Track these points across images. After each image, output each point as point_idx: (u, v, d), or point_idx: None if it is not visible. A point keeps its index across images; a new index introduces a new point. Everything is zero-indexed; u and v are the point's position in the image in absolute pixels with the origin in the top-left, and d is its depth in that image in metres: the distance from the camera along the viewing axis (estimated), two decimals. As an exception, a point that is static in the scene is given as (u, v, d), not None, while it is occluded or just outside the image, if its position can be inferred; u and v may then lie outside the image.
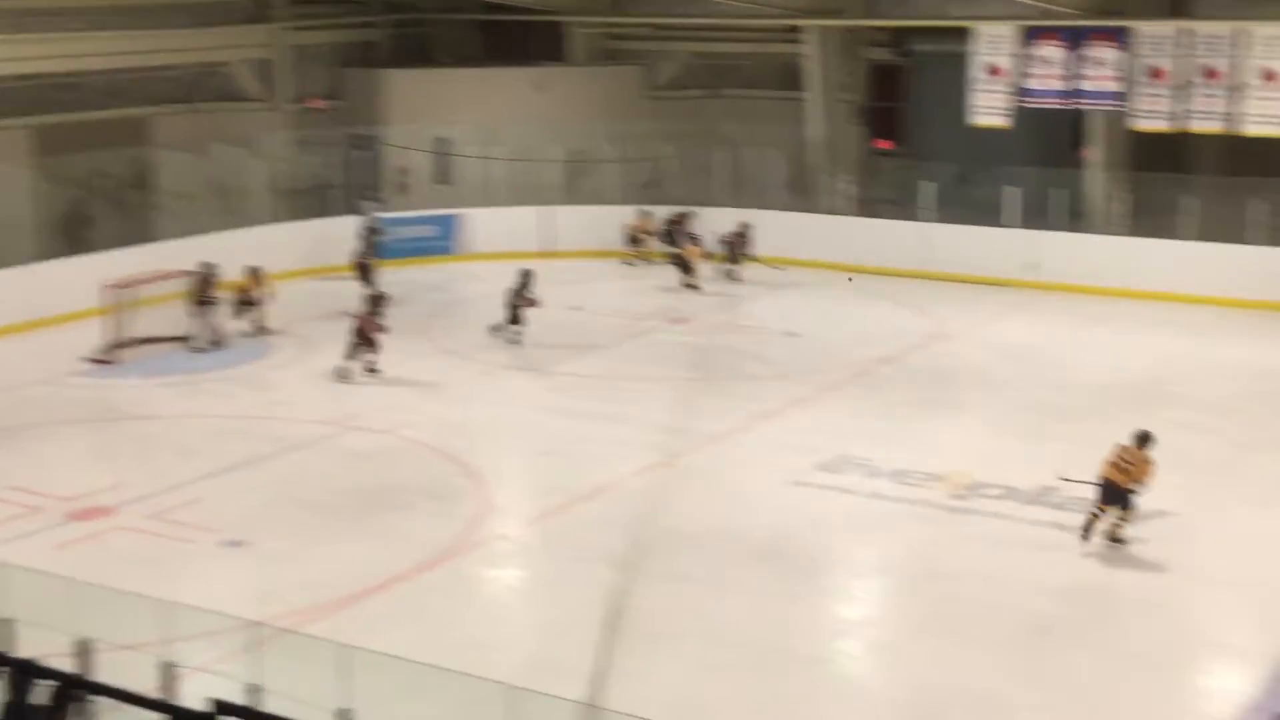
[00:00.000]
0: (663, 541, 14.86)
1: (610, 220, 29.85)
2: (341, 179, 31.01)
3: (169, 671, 10.42)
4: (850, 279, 27.15)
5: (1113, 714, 11.59)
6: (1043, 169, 28.55)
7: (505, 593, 14.94)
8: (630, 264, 29.36)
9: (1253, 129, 25.89)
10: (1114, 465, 14.63)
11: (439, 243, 29.73)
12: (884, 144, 31.96)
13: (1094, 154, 28.27)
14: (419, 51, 34.40)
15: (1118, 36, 26.76)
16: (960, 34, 28.19)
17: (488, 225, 30.11)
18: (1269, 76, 25.58)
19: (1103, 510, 14.66)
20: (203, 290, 23.30)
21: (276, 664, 10.55)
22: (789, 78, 31.32)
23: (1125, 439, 14.81)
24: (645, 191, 30.94)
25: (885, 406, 20.06)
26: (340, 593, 13.87)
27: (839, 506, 16.21)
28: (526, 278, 23.37)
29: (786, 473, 17.18)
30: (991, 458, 17.58)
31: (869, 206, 30.05)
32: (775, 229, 28.56)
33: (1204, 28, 26.18)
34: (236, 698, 9.23)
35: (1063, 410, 19.69)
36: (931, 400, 20.42)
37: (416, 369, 21.83)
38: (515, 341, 22.99)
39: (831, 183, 30.47)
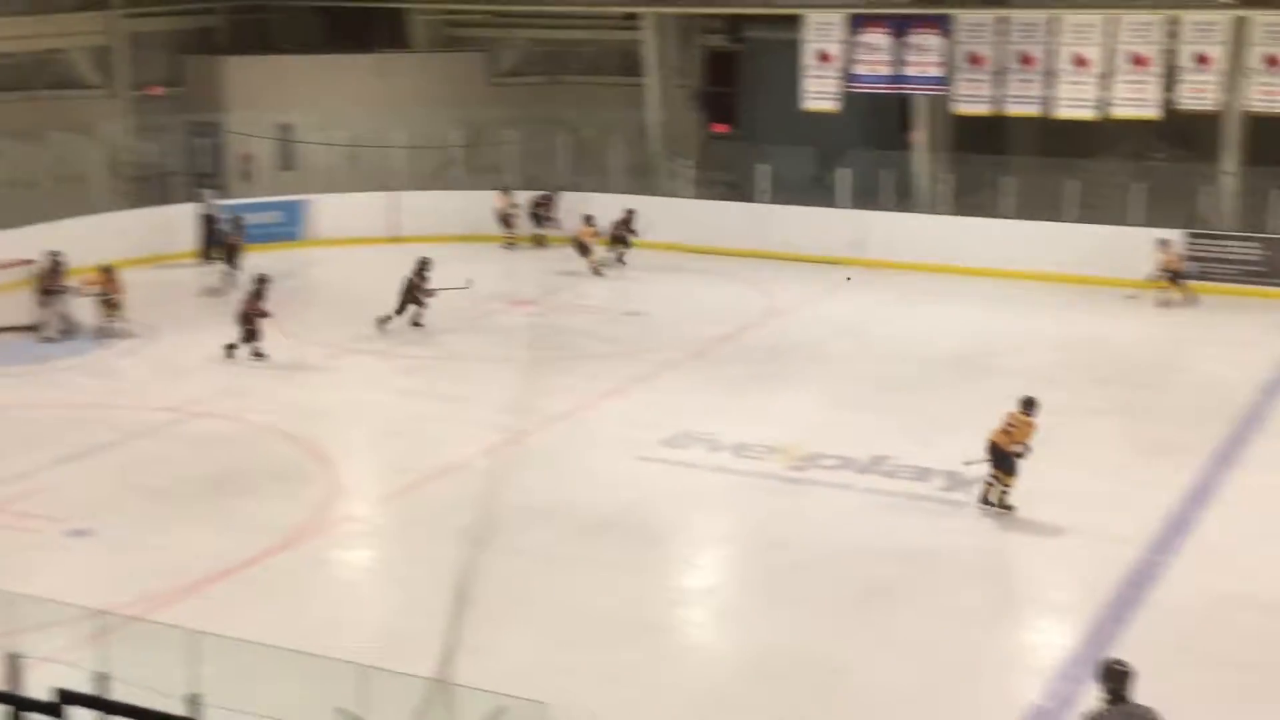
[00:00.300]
0: (511, 518, 14.76)
1: (456, 205, 29.61)
2: (183, 166, 30.23)
3: (13, 663, 10.09)
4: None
5: (943, 670, 11.85)
6: (872, 151, 29.05)
7: (355, 573, 14.75)
8: (510, 247, 29.02)
9: (1065, 112, 26.66)
10: (1000, 430, 14.95)
11: (285, 229, 29.18)
12: (720, 128, 32.21)
13: (919, 137, 28.82)
14: (259, 38, 33.64)
15: (940, 24, 27.32)
16: (791, 21, 28.52)
17: (334, 211, 29.65)
18: (1080, 62, 26.34)
19: (997, 477, 14.96)
20: (50, 279, 22.57)
21: (124, 652, 10.26)
22: (628, 64, 31.39)
23: (1023, 410, 15.10)
24: (489, 177, 30.71)
25: (725, 382, 20.24)
26: (188, 579, 13.54)
27: (682, 480, 16.32)
28: (423, 265, 22.91)
29: (631, 448, 17.23)
30: (827, 429, 17.85)
31: (707, 189, 30.25)
32: (616, 211, 28.56)
33: (1020, 16, 26.86)
34: (84, 687, 8.96)
35: (893, 382, 20.07)
36: (769, 375, 20.65)
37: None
38: (418, 326, 22.74)
39: (671, 166, 30.61)
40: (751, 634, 12.71)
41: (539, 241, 29.12)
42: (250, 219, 28.34)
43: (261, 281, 21.59)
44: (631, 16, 30.72)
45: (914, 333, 22.96)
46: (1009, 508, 14.95)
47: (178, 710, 8.90)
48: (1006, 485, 14.95)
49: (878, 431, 17.55)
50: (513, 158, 30.63)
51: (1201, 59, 25.60)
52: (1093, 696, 8.93)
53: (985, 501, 15.06)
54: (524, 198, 29.44)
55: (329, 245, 28.85)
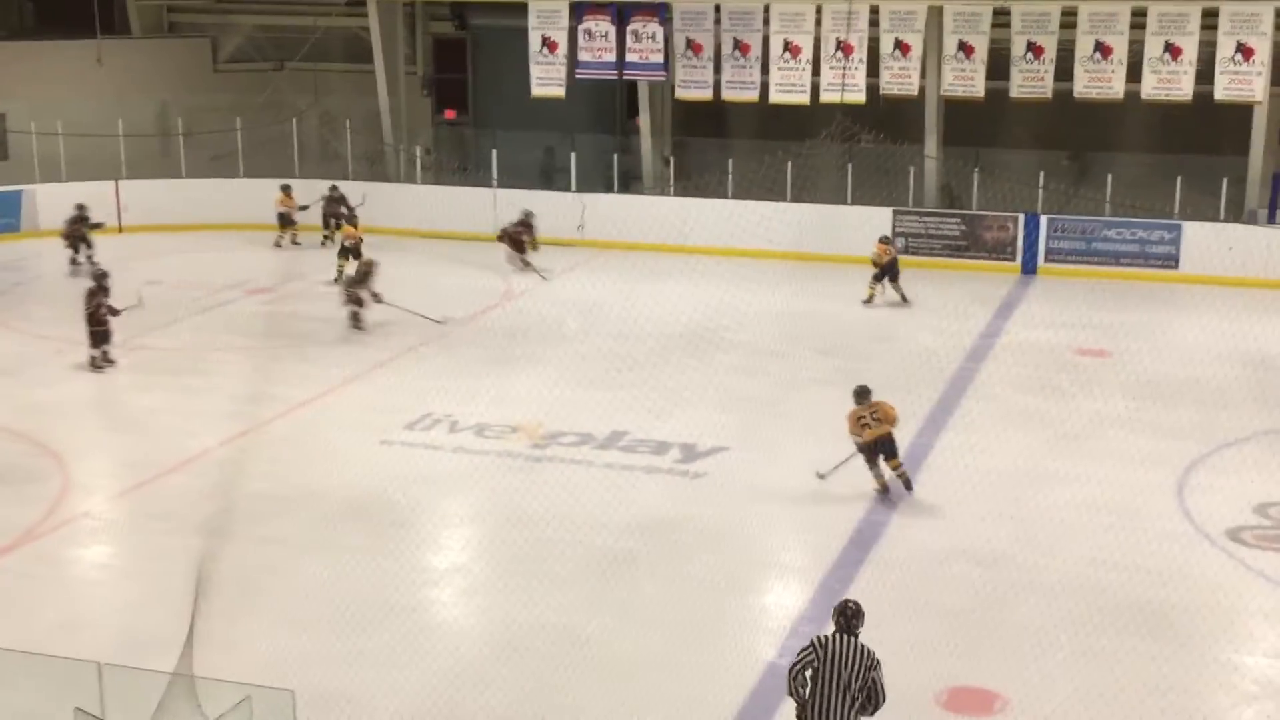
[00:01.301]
0: (252, 506, 14.38)
1: (181, 194, 28.54)
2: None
3: None
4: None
5: (685, 634, 12.05)
6: (599, 135, 29.26)
7: (92, 571, 14.07)
8: (279, 245, 27.60)
9: (779, 97, 27.39)
10: (865, 426, 14.67)
11: (3, 219, 27.63)
12: (450, 114, 31.95)
13: (644, 122, 29.16)
14: (-35, 24, 31.76)
15: (659, 13, 27.67)
16: (517, 9, 28.45)
17: (54, 202, 28.16)
18: (791, 49, 27.08)
19: (882, 466, 14.79)
20: None
21: None
22: (356, 50, 30.81)
23: (851, 404, 14.93)
24: (216, 164, 29.73)
25: (464, 364, 20.12)
26: (-89, 586, 12.73)
27: (425, 462, 16.15)
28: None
29: (373, 433, 16.96)
30: (566, 407, 17.89)
31: (440, 174, 29.96)
32: (349, 197, 28.04)
33: (732, 4, 27.41)
34: None
35: (628, 359, 20.24)
36: (507, 356, 20.60)
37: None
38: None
39: (403, 152, 30.20)
40: (498, 610, 12.67)
41: (327, 239, 27.41)
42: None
43: (101, 278, 20.02)
44: (357, 2, 30.13)
45: (645, 311, 23.17)
46: (910, 484, 14.93)
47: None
48: (900, 465, 14.84)
49: (615, 408, 17.70)
50: (240, 146, 29.72)
51: (903, 46, 26.65)
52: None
53: (885, 492, 14.83)
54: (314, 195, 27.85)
55: (51, 237, 27.40)
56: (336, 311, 22.35)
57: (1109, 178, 26.33)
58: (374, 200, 27.74)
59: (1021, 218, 26.33)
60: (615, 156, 28.80)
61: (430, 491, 15.46)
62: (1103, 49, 25.79)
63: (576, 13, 28.01)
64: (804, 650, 9.16)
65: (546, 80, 28.33)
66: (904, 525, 14.39)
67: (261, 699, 8.70)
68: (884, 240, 24.23)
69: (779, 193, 27.22)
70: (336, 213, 27.21)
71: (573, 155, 28.49)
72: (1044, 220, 26.26)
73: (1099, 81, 25.97)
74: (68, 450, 16.55)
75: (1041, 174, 26.73)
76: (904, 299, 23.66)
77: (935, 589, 12.86)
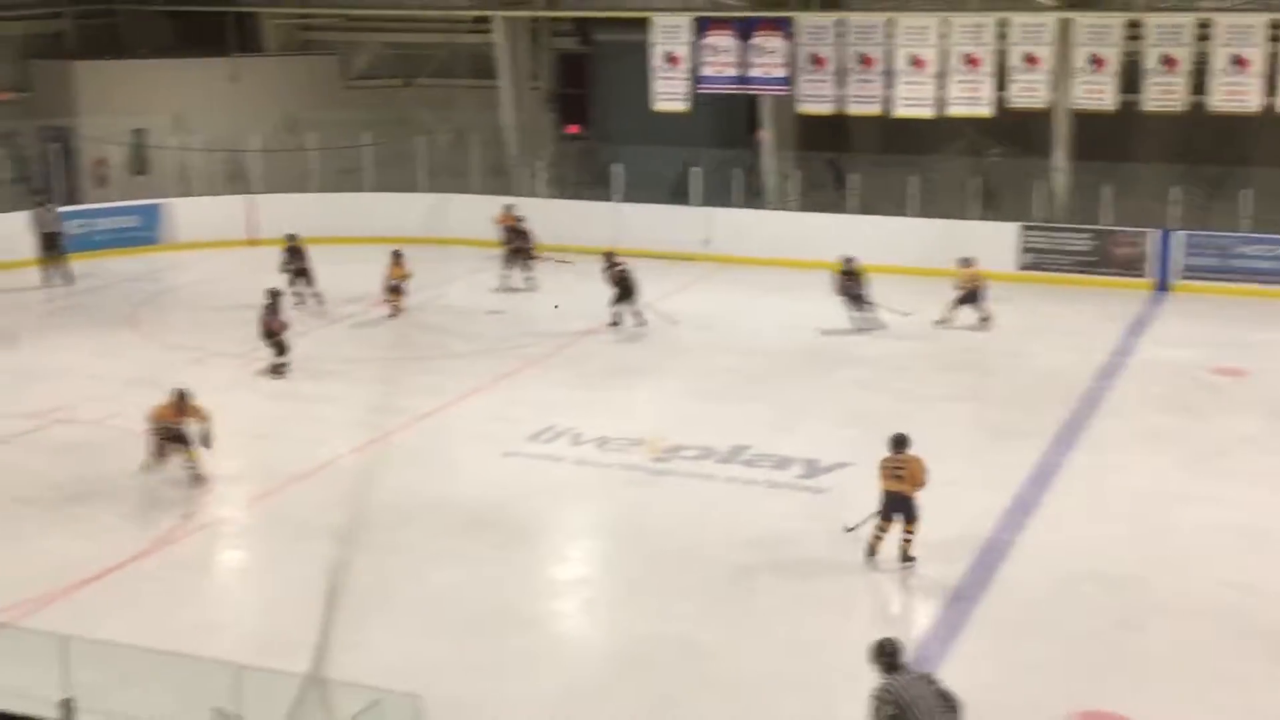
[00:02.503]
0: (380, 516, 14.64)
1: (314, 208, 29.14)
2: (34, 172, 29.34)
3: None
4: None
5: (801, 653, 12.00)
6: (721, 150, 29.31)
7: (227, 574, 14.48)
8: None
9: (903, 111, 27.20)
10: (889, 477, 13.57)
11: (142, 233, 28.47)
12: (573, 129, 32.22)
13: (766, 136, 29.16)
14: (110, 42, 32.77)
15: (782, 27, 27.67)
16: (640, 24, 28.65)
17: (191, 214, 29.01)
18: (916, 63, 26.90)
19: (885, 528, 13.60)
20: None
21: (-7, 660, 9.98)
22: (481, 66, 31.24)
23: (885, 450, 13.80)
24: (345, 178, 30.35)
25: (586, 377, 20.26)
26: (58, 584, 13.16)
27: (548, 474, 16.30)
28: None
29: (497, 444, 17.17)
30: (688, 420, 17.96)
31: (563, 188, 30.24)
32: (472, 212, 28.44)
33: (857, 19, 27.32)
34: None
35: (749, 374, 20.27)
36: (628, 369, 20.73)
37: (126, 359, 20.87)
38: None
39: (526, 167, 30.54)
40: (620, 624, 12.75)
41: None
42: (107, 224, 27.73)
43: (274, 295, 20.68)
44: (483, 20, 30.57)
45: (766, 325, 23.23)
46: (911, 559, 13.57)
47: (51, 715, 8.67)
48: (910, 532, 13.56)
49: (737, 422, 17.72)
50: (369, 160, 30.30)
51: (1030, 59, 26.32)
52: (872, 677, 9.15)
53: (873, 553, 13.65)
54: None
55: (187, 249, 28.20)
56: (459, 324, 22.67)
57: (1245, 193, 25.70)
58: (489, 213, 28.05)
59: (1155, 233, 25.81)
60: (737, 171, 28.82)
61: (553, 503, 15.61)
62: (1239, 61, 25.22)
63: (699, 27, 28.13)
64: (880, 701, 8.91)
65: (669, 95, 28.47)
66: (1031, 544, 14.18)
67: (390, 703, 8.90)
68: (965, 261, 23.08)
69: (902, 207, 27.01)
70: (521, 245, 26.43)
71: (695, 170, 28.56)
72: (1178, 236, 25.71)
73: (1235, 94, 25.39)
74: (202, 457, 16.97)
75: (1176, 189, 26.16)
76: (985, 320, 22.70)
77: (1064, 610, 12.67)
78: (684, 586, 13.25)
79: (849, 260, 22.77)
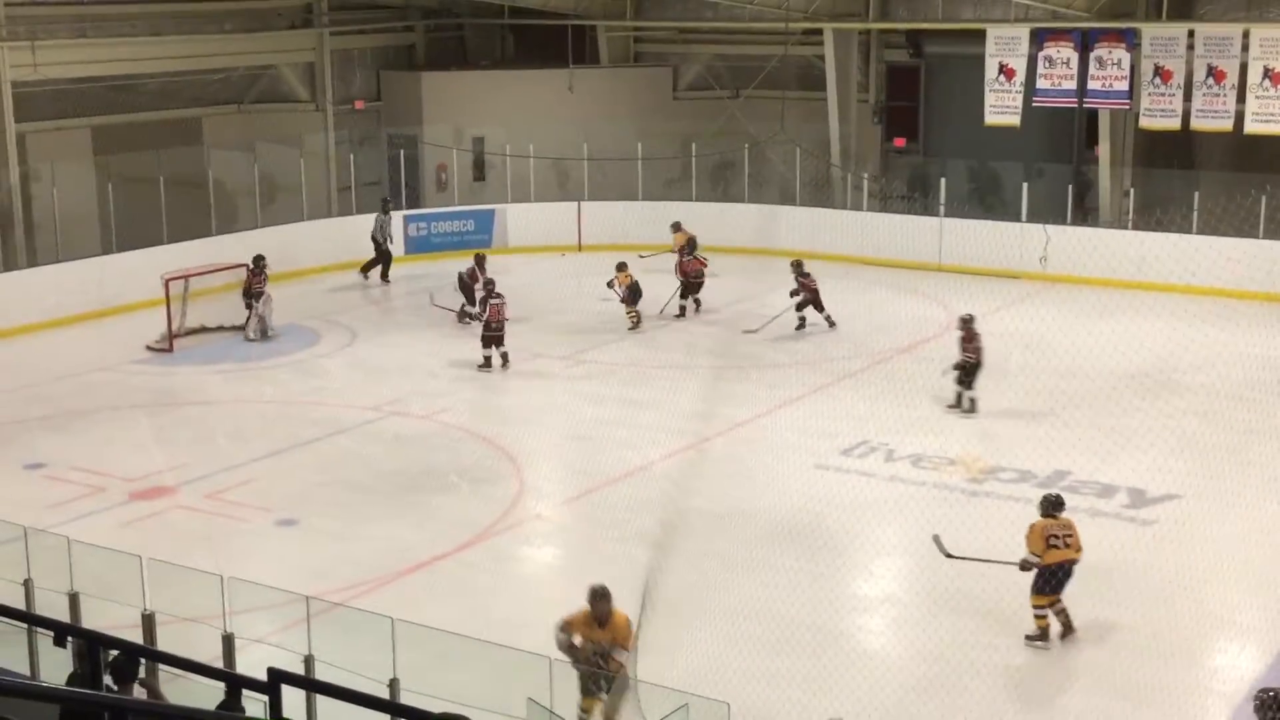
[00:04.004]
0: (691, 521, 14.88)
1: (638, 215, 29.81)
2: (384, 176, 31.13)
3: (229, 643, 10.53)
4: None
5: (1119, 691, 11.58)
6: (1054, 165, 28.43)
7: (541, 570, 15.00)
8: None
9: (1256, 127, 25.74)
10: (1054, 548, 12.46)
11: (477, 236, 29.77)
12: (900, 142, 31.87)
13: (1103, 151, 28.12)
14: (455, 55, 34.46)
15: (1126, 38, 26.63)
16: (972, 36, 28.11)
17: (523, 220, 30.16)
18: (1272, 77, 25.42)
19: (1053, 607, 12.56)
20: (252, 282, 23.44)
21: (327, 636, 10.65)
22: (809, 78, 31.28)
23: (1041, 513, 12.87)
24: (670, 188, 30.93)
25: (903, 393, 20.00)
26: (385, 570, 13.97)
27: (860, 489, 16.22)
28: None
29: (809, 456, 17.20)
30: (1006, 442, 17.54)
31: (886, 202, 29.98)
32: (795, 223, 28.57)
33: (1207, 29, 26.02)
34: (292, 667, 9.29)
35: (1074, 396, 19.60)
36: (945, 387, 20.33)
37: (455, 356, 21.90)
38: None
39: (850, 179, 30.41)
40: (926, 643, 12.56)
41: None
42: (444, 227, 29.13)
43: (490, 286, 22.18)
44: (813, 32, 30.60)
45: (1095, 347, 22.32)
46: (1074, 629, 12.50)
47: (380, 694, 9.18)
48: (1061, 606, 12.48)
49: (1059, 446, 17.17)
50: (691, 170, 30.80)
51: (1399, 73, 24.53)
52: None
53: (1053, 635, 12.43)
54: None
55: (518, 252, 29.32)
56: (780, 336, 22.81)
57: None
58: (813, 225, 28.11)
59: None
60: (1070, 187, 27.89)
61: (863, 518, 15.50)
62: None
63: (1037, 38, 27.35)
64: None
65: (1001, 108, 27.81)
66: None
67: (698, 707, 9.04)
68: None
69: (1252, 228, 25.55)
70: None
71: (1025, 185, 27.81)
72: None
73: None
74: (522, 454, 17.68)
75: None
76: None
77: None
78: (995, 612, 12.94)
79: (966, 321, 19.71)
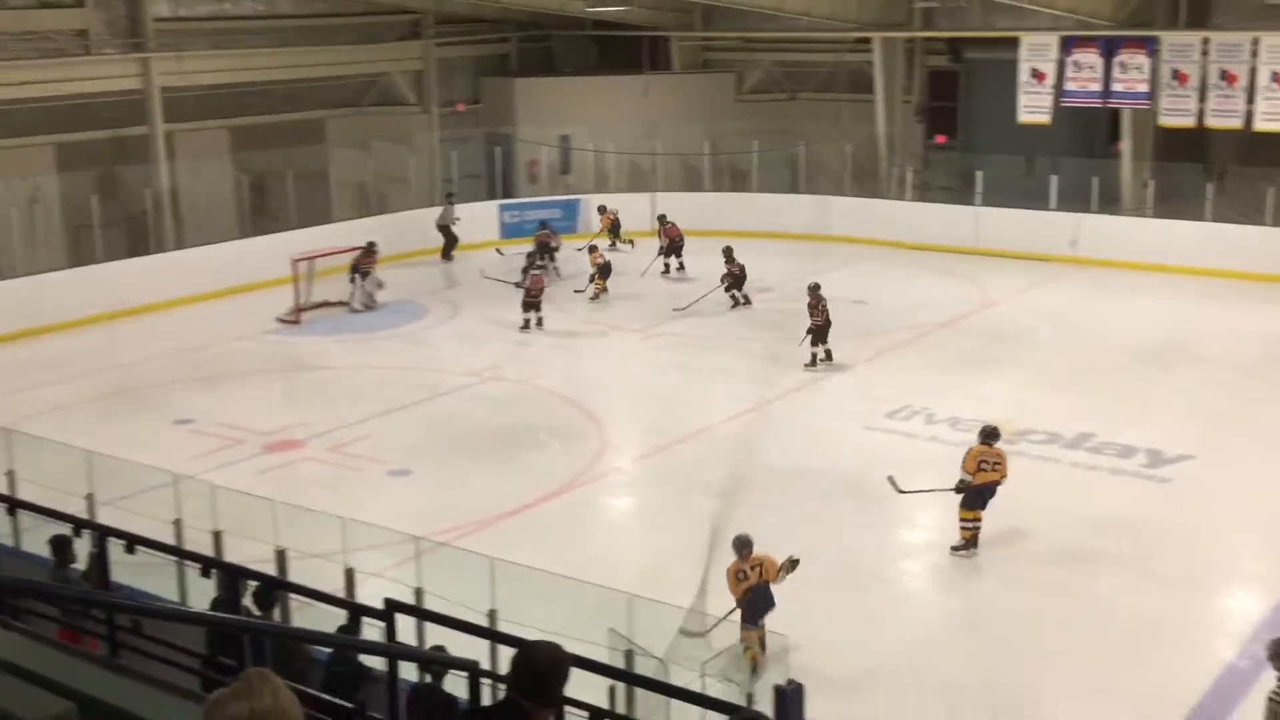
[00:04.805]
0: (754, 476, 14.83)
1: (702, 205, 29.64)
2: (484, 171, 31.22)
3: (350, 576, 10.62)
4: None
5: (1140, 629, 11.40)
6: (1080, 159, 27.92)
7: (621, 518, 15.01)
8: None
9: (1263, 125, 25.12)
10: (998, 470, 12.69)
11: (563, 223, 29.73)
12: (941, 139, 31.45)
13: (1125, 146, 27.58)
14: (545, 62, 34.39)
15: (1146, 45, 26.06)
16: (1007, 43, 27.62)
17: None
18: (1277, 79, 24.77)
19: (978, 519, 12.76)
20: (363, 261, 23.59)
21: (434, 572, 10.71)
22: (859, 82, 30.92)
23: (979, 441, 13.04)
24: (734, 181, 30.72)
25: (942, 364, 19.79)
26: (484, 515, 14.03)
27: (903, 448, 16.05)
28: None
29: (858, 419, 17.05)
30: (1036, 408, 17.28)
31: (928, 193, 29.59)
32: (846, 212, 28.27)
33: (1220, 37, 25.41)
34: (404, 598, 9.36)
35: (1098, 367, 19.30)
36: (982, 358, 20.10)
37: (545, 328, 21.92)
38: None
39: (895, 172, 30.07)
40: (963, 587, 12.46)
41: None
42: (534, 215, 29.11)
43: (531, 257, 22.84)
44: (863, 41, 30.23)
45: (1117, 324, 22.01)
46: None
47: (480, 623, 9.22)
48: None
49: (1083, 412, 16.91)
50: (753, 165, 30.57)
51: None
52: (1271, 678, 8.44)
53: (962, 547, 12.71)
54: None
55: (599, 237, 29.20)
56: (832, 311, 22.58)
57: None
58: (862, 214, 27.77)
59: None
60: (1094, 179, 27.38)
61: (907, 474, 15.30)
62: None
63: (1066, 45, 26.83)
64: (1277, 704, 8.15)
65: (1033, 108, 27.32)
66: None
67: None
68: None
69: (1260, 216, 24.95)
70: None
71: (1052, 176, 27.33)
72: None
73: None
74: (605, 415, 17.69)
75: None
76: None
77: None
78: (1027, 558, 12.81)
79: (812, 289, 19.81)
